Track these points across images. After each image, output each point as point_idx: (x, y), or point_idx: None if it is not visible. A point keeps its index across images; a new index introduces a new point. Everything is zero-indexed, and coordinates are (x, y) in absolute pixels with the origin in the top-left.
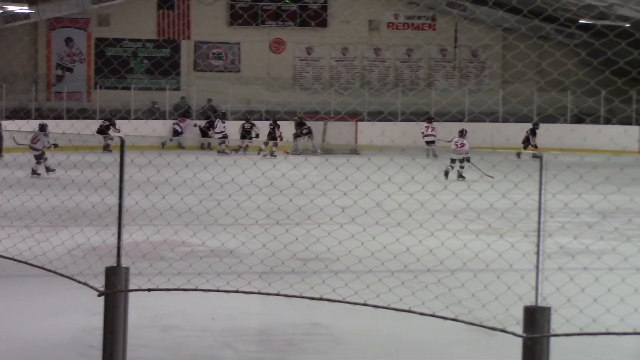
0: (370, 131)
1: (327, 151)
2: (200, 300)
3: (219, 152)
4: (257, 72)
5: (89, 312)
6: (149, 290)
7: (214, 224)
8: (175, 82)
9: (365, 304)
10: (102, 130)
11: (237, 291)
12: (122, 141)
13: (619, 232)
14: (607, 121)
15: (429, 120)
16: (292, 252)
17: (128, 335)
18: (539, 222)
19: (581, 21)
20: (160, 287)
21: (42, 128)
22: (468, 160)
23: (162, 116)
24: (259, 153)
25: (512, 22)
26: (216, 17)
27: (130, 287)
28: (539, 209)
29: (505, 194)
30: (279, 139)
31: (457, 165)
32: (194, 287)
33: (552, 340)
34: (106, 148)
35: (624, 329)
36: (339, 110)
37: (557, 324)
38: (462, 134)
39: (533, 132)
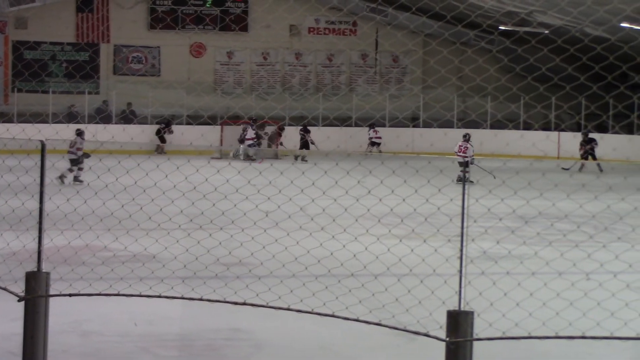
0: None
1: (250, 157)
2: (121, 305)
3: (246, 158)
4: (177, 76)
5: (9, 317)
6: (70, 295)
7: (137, 228)
8: (95, 86)
9: (288, 309)
10: (160, 133)
11: (159, 296)
12: (43, 145)
13: (541, 237)
14: (529, 127)
15: (372, 125)
16: (215, 257)
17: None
18: (462, 227)
19: (503, 28)
20: (81, 292)
21: (80, 134)
22: (472, 163)
23: (82, 120)
24: (296, 159)
25: (434, 28)
26: (136, 20)
27: (51, 292)
28: (462, 213)
29: (428, 198)
30: (311, 144)
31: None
32: (115, 292)
33: (475, 344)
34: (160, 151)
35: (546, 333)
36: (262, 114)
37: (480, 328)
38: (465, 138)
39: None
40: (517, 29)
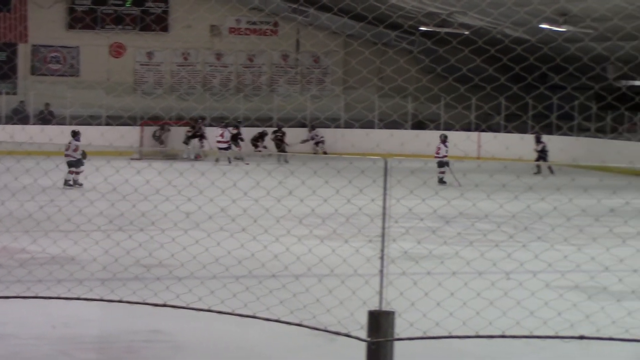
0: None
1: (170, 156)
2: (39, 308)
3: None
4: (97, 77)
5: None
6: None
7: (55, 230)
8: (12, 86)
9: (209, 310)
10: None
11: (78, 298)
12: None
13: (461, 237)
14: (449, 127)
15: (312, 127)
16: (135, 259)
17: None
18: (383, 227)
19: (424, 29)
20: None
21: (75, 134)
22: (447, 164)
23: None
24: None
25: (355, 29)
26: (55, 20)
27: None
28: (384, 214)
29: (350, 199)
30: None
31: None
32: (33, 295)
33: (396, 344)
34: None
35: (466, 332)
36: (183, 115)
37: (401, 327)
38: (441, 138)
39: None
40: (438, 29)
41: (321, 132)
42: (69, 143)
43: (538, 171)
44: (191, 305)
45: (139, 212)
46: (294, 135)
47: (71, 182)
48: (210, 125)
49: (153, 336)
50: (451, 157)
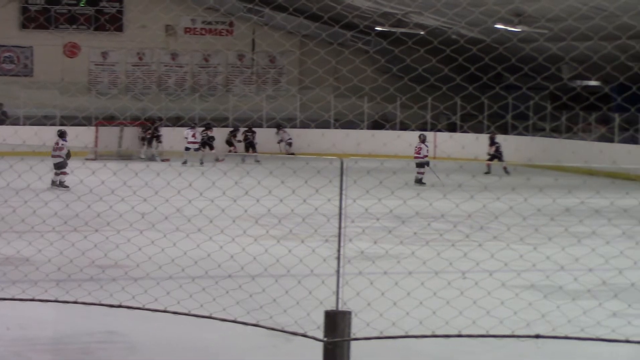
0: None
1: (125, 157)
2: None
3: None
4: (51, 77)
5: None
6: None
7: (9, 231)
8: None
9: (165, 311)
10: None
11: (32, 300)
12: None
13: (417, 237)
14: (406, 127)
15: (279, 126)
16: (90, 259)
17: None
18: (339, 227)
19: (379, 29)
20: None
21: (62, 134)
22: (427, 164)
23: None
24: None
25: (311, 29)
26: (8, 20)
27: None
28: (340, 214)
29: (306, 199)
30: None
31: (418, 170)
32: None
33: (353, 343)
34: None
35: (423, 332)
36: (138, 115)
37: (357, 327)
38: (420, 138)
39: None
40: (394, 30)
41: (289, 132)
42: (56, 143)
43: (488, 171)
44: (147, 306)
45: (94, 212)
46: (261, 135)
47: (57, 183)
48: (167, 126)
49: (109, 337)
50: (407, 157)
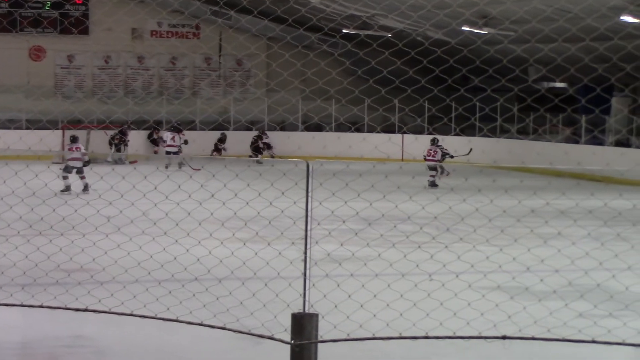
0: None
1: (94, 160)
2: None
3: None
4: (16, 80)
5: None
6: None
7: None
8: None
9: (131, 315)
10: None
11: None
12: None
13: (384, 239)
14: (372, 129)
15: (261, 129)
16: (56, 263)
17: None
18: (306, 230)
19: (345, 31)
20: None
21: (74, 139)
22: (441, 167)
23: None
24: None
25: (276, 32)
26: None
27: None
28: (306, 216)
29: (272, 202)
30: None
31: (430, 173)
32: None
33: (320, 346)
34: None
35: (390, 334)
36: (103, 119)
37: (324, 330)
38: (434, 142)
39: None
40: (359, 32)
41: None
42: (77, 149)
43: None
44: (113, 310)
45: (59, 216)
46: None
47: (86, 189)
48: (132, 129)
49: (75, 341)
50: (373, 159)
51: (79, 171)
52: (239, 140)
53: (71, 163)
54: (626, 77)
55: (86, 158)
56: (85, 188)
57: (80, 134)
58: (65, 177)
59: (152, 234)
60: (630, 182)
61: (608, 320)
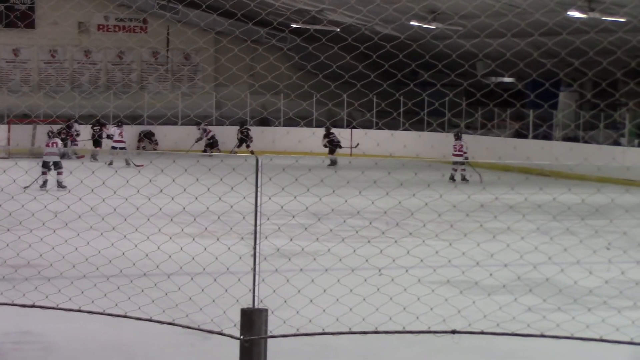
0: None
1: (37, 155)
2: None
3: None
4: None
5: None
6: None
7: None
8: None
9: (79, 310)
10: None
11: None
12: None
13: (333, 234)
14: (321, 124)
15: (198, 124)
16: (2, 259)
17: None
18: (255, 225)
19: (294, 25)
20: None
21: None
22: (467, 160)
23: None
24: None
25: (225, 26)
26: None
27: None
28: (256, 211)
29: (221, 197)
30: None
31: (459, 168)
32: None
33: (270, 341)
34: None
35: (340, 329)
36: (50, 113)
37: (274, 325)
38: (458, 136)
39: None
40: (308, 27)
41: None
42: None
43: (332, 163)
44: (61, 306)
45: (5, 211)
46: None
47: (62, 184)
48: (80, 124)
49: (23, 337)
50: (322, 154)
51: (57, 166)
52: (185, 135)
53: (47, 158)
54: (574, 72)
55: (62, 151)
56: (61, 184)
57: (27, 128)
58: (43, 173)
59: (100, 229)
60: (578, 176)
61: (557, 314)
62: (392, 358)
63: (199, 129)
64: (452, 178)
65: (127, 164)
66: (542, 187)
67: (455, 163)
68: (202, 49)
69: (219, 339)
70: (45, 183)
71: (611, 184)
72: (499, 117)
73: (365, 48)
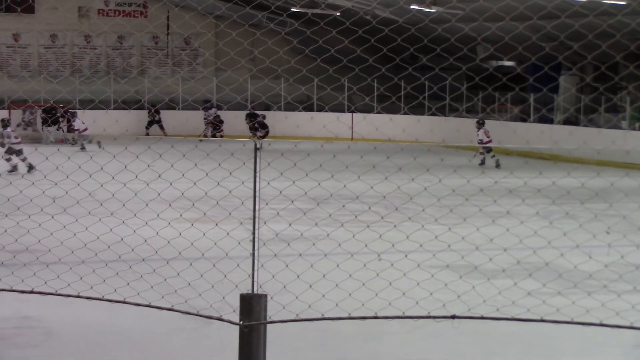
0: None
1: (37, 140)
2: None
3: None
4: None
5: None
6: None
7: None
8: None
9: (78, 296)
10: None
11: None
12: None
13: (333, 218)
14: (320, 109)
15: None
16: (1, 245)
17: None
18: (254, 210)
19: (292, 9)
20: None
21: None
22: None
23: None
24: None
25: (223, 10)
26: None
27: None
28: (254, 196)
29: (220, 182)
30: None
31: (489, 154)
32: None
33: (269, 326)
34: None
35: (339, 314)
36: (49, 98)
37: (273, 310)
38: (481, 123)
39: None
40: (307, 10)
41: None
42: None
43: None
44: (60, 292)
45: (3, 197)
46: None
47: (31, 168)
48: (79, 109)
49: (24, 322)
50: (321, 138)
51: (20, 153)
52: (183, 120)
53: (14, 146)
54: (574, 55)
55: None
56: (30, 167)
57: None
58: (8, 159)
59: (98, 214)
60: (578, 160)
61: (557, 298)
62: (391, 343)
63: (207, 111)
64: (482, 162)
65: (83, 148)
66: (542, 171)
67: (488, 151)
68: (201, 33)
69: (218, 324)
70: (15, 168)
71: (611, 167)
72: (499, 101)
73: (364, 32)
